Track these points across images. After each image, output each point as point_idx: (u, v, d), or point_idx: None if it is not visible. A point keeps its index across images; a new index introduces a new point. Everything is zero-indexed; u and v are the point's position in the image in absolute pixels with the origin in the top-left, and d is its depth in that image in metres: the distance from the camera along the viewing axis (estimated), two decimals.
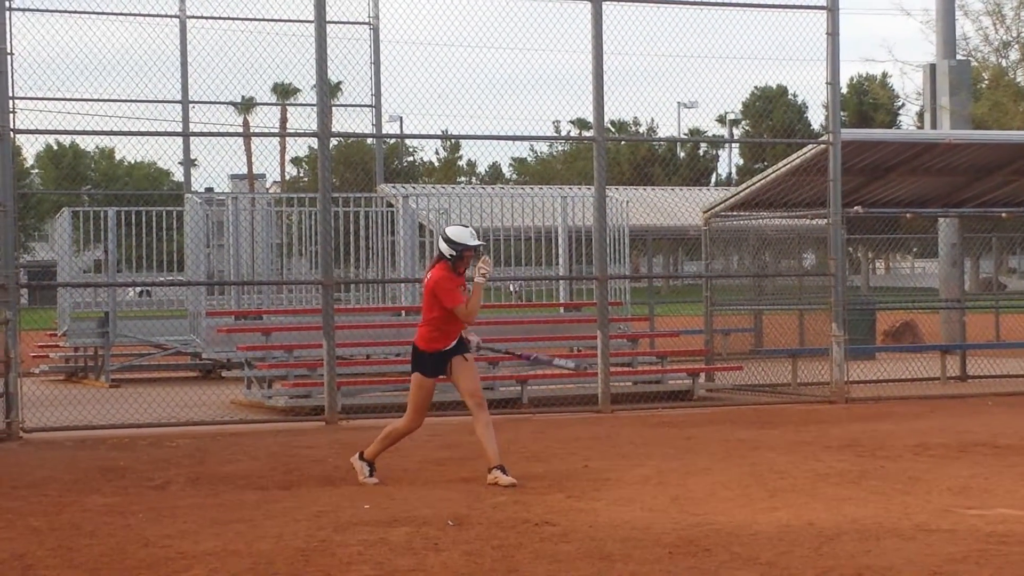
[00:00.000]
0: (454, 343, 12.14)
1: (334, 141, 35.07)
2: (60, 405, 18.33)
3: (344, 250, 24.49)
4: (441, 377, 12.24)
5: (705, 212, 22.39)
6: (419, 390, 12.17)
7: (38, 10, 25.27)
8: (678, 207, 31.95)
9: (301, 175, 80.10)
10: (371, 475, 12.21)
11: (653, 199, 34.36)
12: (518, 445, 14.63)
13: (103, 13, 25.46)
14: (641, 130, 76.36)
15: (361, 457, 12.33)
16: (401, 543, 9.28)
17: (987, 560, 8.56)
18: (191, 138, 26.88)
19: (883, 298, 38.10)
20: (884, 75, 75.68)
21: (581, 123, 75.47)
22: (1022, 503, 10.65)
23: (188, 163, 27.86)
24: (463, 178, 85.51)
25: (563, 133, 77.29)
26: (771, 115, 73.46)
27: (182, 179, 29.31)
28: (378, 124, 27.61)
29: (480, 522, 10.03)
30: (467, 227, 12.32)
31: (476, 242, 12.09)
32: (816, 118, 74.99)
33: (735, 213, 22.28)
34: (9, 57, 16.25)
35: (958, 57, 30.65)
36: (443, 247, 12.10)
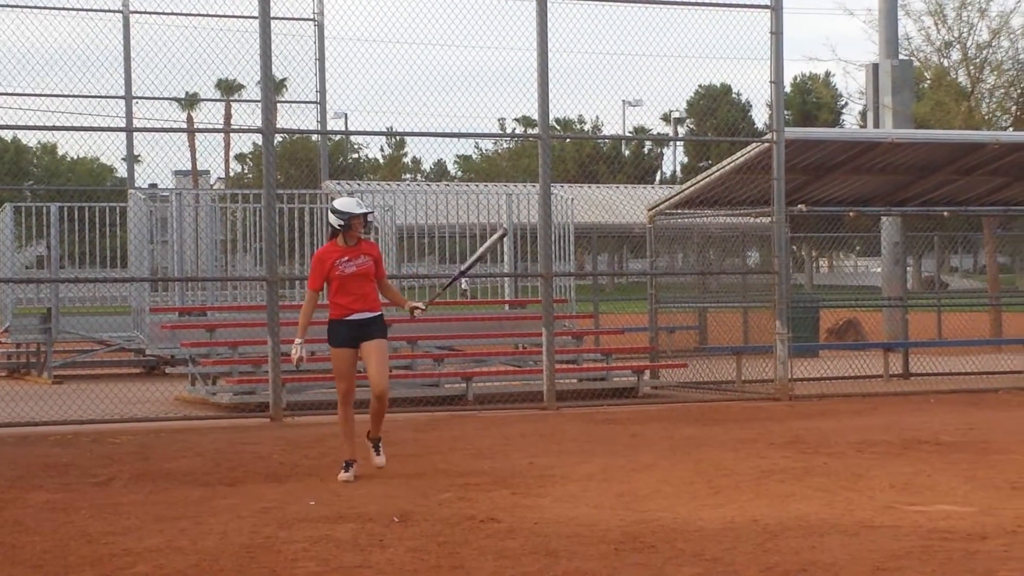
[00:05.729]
0: (360, 315, 12.18)
1: (279, 137, 34.93)
2: (2, 401, 18.20)
3: (289, 247, 24.38)
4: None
5: (650, 210, 22.42)
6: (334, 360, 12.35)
7: None
8: (623, 205, 31.97)
9: (245, 171, 79.67)
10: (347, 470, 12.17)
11: (598, 197, 34.43)
12: (463, 442, 14.64)
13: (45, 8, 25.33)
14: (586, 128, 76.30)
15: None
16: (346, 540, 9.26)
17: (930, 556, 8.62)
18: (134, 134, 26.72)
19: (827, 296, 38.30)
20: (827, 74, 76.53)
21: (526, 120, 75.39)
22: (964, 499, 10.74)
23: (131, 159, 27.67)
24: (408, 175, 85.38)
25: (508, 131, 77.18)
26: (715, 113, 73.58)
27: (125, 175, 29.11)
28: (323, 121, 27.52)
29: (425, 519, 10.03)
30: (353, 196, 12.54)
31: (362, 210, 12.29)
32: (760, 117, 75.03)
33: (680, 211, 22.33)
34: None
35: (900, 57, 30.73)
36: (332, 219, 12.37)
